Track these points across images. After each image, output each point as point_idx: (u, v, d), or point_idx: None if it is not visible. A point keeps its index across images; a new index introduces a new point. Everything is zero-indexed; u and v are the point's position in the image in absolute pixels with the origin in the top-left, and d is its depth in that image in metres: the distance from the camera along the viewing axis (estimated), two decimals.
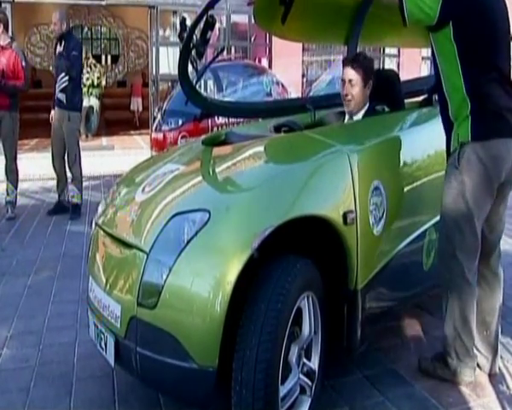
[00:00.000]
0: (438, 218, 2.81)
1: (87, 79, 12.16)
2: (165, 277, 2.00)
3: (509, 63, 2.60)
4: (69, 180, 6.19)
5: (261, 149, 2.62)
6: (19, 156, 6.19)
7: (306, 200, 2.24)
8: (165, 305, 2.00)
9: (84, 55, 12.81)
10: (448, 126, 2.60)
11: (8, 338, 3.21)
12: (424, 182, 2.87)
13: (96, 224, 2.63)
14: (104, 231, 2.49)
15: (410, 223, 2.82)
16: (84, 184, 7.92)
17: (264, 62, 12.31)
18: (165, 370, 2.04)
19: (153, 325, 2.02)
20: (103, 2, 11.35)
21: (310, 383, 2.29)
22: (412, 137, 2.90)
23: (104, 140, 12.37)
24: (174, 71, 11.77)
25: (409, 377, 2.75)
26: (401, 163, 2.76)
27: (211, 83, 7.56)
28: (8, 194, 6.00)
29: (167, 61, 12.29)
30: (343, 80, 3.06)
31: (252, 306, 2.01)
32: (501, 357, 2.87)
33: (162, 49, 11.92)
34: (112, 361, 2.24)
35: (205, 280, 1.98)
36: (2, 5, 10.11)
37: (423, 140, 2.94)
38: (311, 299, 2.25)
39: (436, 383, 2.69)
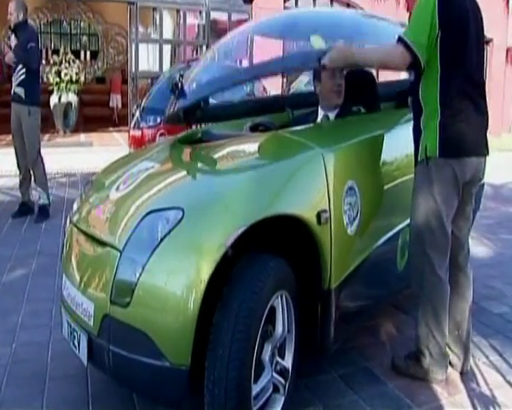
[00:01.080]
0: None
1: (65, 74, 12.04)
2: (138, 275, 1.99)
3: (483, 74, 2.67)
4: (32, 183, 5.89)
5: (236, 148, 2.62)
6: None
7: (280, 199, 2.24)
8: (138, 303, 1.99)
9: (62, 50, 12.87)
10: (417, 133, 2.63)
11: None
12: (399, 183, 2.91)
13: (71, 221, 2.61)
14: (78, 228, 2.48)
15: (385, 223, 2.85)
16: (62, 180, 7.88)
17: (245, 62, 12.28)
18: (137, 368, 2.03)
19: (126, 324, 2.01)
20: None
21: (283, 381, 2.30)
22: (388, 138, 2.91)
23: (82, 136, 12.27)
24: (154, 68, 11.80)
25: (382, 376, 2.78)
26: (376, 164, 2.78)
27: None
28: None
29: (147, 58, 12.23)
30: (331, 71, 2.96)
31: (225, 304, 2.01)
32: (472, 356, 2.92)
33: (142, 46, 11.85)
34: (85, 360, 2.23)
35: (178, 278, 1.97)
36: None
37: (399, 141, 2.97)
38: (284, 298, 2.26)
39: (409, 382, 2.72)
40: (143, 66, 11.85)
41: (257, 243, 2.22)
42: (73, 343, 2.31)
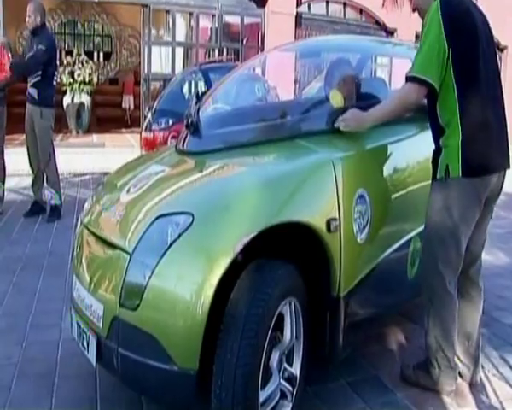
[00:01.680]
0: (422, 227, 2.83)
1: (78, 75, 12.13)
2: (147, 278, 2.00)
3: (500, 84, 2.64)
4: (45, 183, 5.93)
5: (248, 153, 2.61)
6: (8, 151, 6.13)
7: (290, 206, 2.24)
8: (147, 306, 2.00)
9: (75, 51, 12.95)
10: (437, 151, 2.58)
11: None
12: (409, 191, 2.89)
13: (82, 223, 2.62)
14: (89, 230, 2.49)
15: (395, 232, 2.83)
16: (74, 180, 7.93)
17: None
18: (145, 371, 2.03)
19: (134, 327, 2.02)
20: None
21: (291, 388, 2.29)
22: (398, 146, 2.90)
23: (95, 137, 12.34)
24: (166, 70, 11.85)
25: (391, 385, 2.76)
26: (386, 172, 2.77)
27: (201, 84, 7.54)
28: None
29: (160, 60, 12.29)
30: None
31: (233, 309, 2.01)
32: (482, 367, 2.90)
33: (154, 48, 11.91)
34: (93, 361, 2.24)
35: (187, 283, 1.98)
36: None
37: (409, 149, 2.96)
38: (293, 305, 2.25)
39: (418, 392, 2.71)
40: (156, 68, 11.91)
41: (267, 249, 2.22)
42: (82, 344, 2.32)
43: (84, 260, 2.44)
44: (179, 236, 2.01)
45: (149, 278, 1.99)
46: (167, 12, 12.14)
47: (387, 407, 2.58)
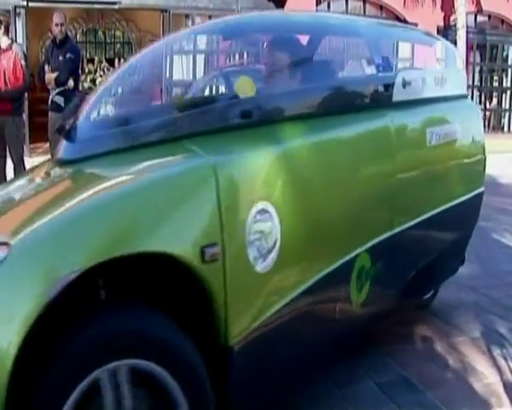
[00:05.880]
0: (372, 242, 2.34)
1: (100, 82, 12.26)
2: None
3: None
4: None
5: (117, 162, 2.02)
6: (31, 160, 6.20)
7: (140, 232, 1.67)
8: None
9: (97, 59, 13.08)
10: None
11: None
12: (348, 197, 2.33)
13: None
14: None
15: (325, 252, 2.22)
16: None
17: None
18: None
19: None
20: (116, 6, 11.37)
21: None
22: (325, 143, 2.31)
23: None
24: (187, 76, 11.83)
25: (420, 385, 2.66)
26: (307, 178, 2.16)
27: (223, 88, 7.47)
28: None
29: (180, 65, 12.32)
30: None
31: (37, 375, 1.52)
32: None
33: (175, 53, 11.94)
34: None
35: None
36: (17, 10, 10.18)
37: (337, 150, 2.36)
38: (128, 372, 1.63)
39: (448, 392, 2.60)
40: (177, 73, 11.93)
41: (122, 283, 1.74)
42: None
43: None
44: None
45: None
46: (187, 16, 12.13)
47: (417, 407, 2.50)
